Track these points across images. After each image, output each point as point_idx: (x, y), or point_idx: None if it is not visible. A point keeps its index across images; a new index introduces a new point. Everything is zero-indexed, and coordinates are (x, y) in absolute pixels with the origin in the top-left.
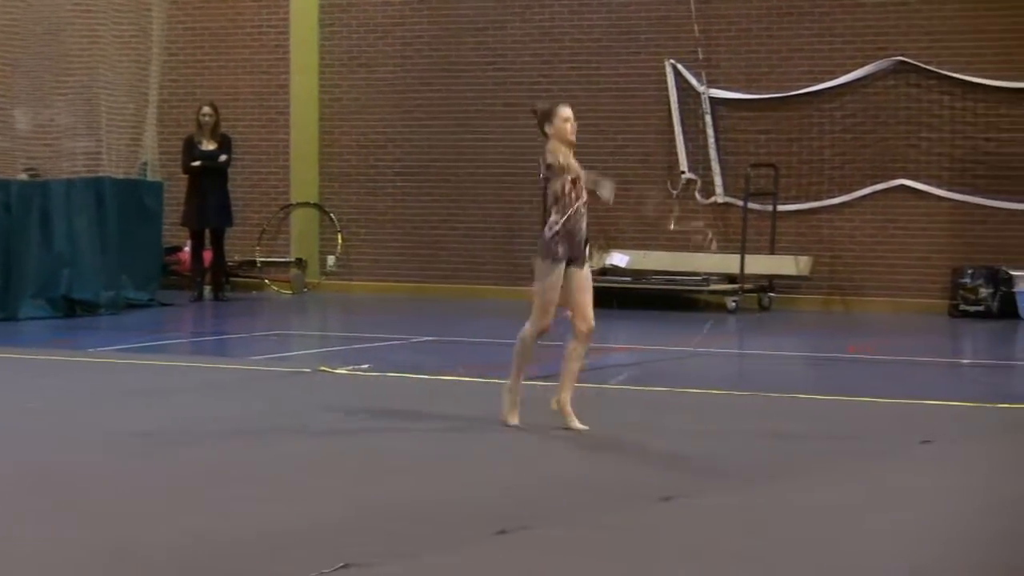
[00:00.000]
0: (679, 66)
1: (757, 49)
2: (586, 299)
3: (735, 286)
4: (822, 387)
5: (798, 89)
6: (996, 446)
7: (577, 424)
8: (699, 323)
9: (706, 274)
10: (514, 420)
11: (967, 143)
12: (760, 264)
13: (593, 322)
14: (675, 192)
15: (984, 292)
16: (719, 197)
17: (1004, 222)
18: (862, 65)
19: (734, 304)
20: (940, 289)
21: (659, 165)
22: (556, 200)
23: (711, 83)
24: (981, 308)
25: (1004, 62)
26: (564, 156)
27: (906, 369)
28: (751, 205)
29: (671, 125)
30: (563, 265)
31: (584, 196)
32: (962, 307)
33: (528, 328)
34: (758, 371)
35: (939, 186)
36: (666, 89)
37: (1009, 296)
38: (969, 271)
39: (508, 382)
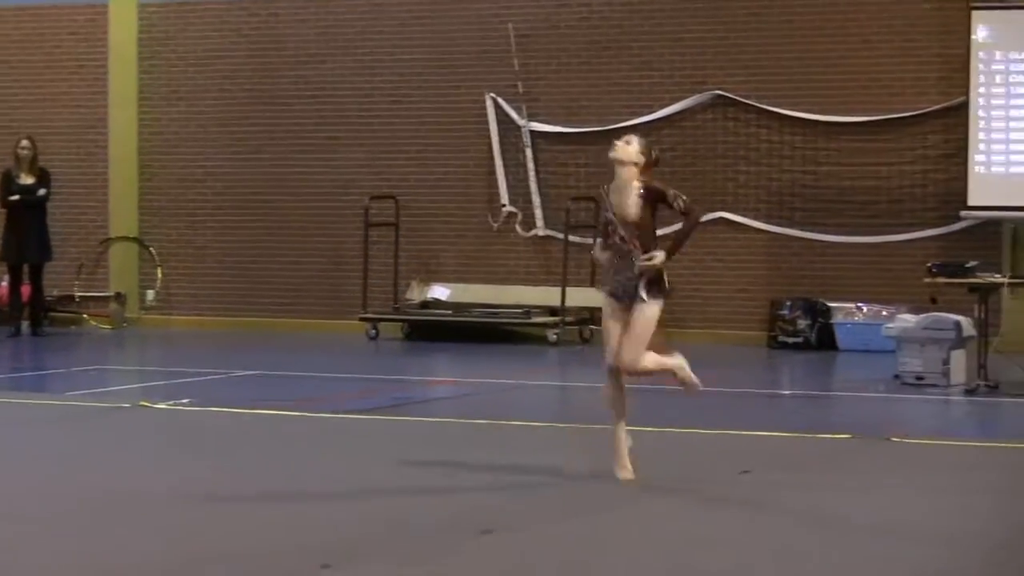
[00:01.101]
0: (499, 100)
1: (577, 83)
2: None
3: (556, 319)
4: (643, 419)
5: (618, 123)
6: (814, 476)
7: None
8: (521, 355)
9: (527, 307)
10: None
11: (785, 176)
12: (581, 297)
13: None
14: (495, 225)
15: (802, 323)
16: (540, 230)
17: (821, 254)
18: (681, 99)
19: (555, 336)
20: (759, 321)
21: (480, 198)
22: (655, 233)
23: (531, 116)
24: (800, 339)
25: (821, 96)
26: None
27: (725, 400)
28: (572, 238)
29: (492, 158)
30: None
31: None
32: (781, 338)
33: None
34: (579, 403)
35: (757, 219)
36: (486, 122)
37: (827, 327)
38: (787, 303)
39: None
